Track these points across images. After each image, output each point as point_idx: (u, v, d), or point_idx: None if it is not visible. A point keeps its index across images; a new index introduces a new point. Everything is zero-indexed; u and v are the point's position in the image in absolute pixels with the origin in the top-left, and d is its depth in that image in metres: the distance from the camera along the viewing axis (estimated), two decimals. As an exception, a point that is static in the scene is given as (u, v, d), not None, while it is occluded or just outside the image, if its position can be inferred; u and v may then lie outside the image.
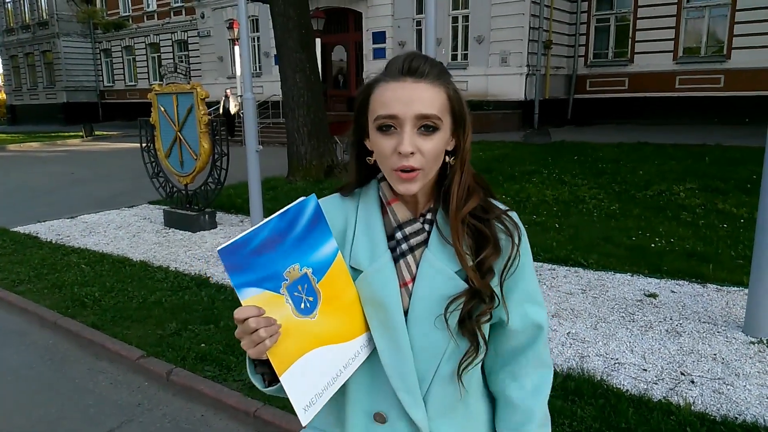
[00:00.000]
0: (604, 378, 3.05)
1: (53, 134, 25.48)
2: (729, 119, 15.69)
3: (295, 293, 0.90)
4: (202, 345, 3.69)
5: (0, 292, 4.94)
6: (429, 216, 1.05)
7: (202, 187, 6.80)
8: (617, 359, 3.30)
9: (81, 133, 23.67)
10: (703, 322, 3.75)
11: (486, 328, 1.05)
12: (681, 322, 3.77)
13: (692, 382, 3.02)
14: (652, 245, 5.37)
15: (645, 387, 2.97)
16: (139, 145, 7.48)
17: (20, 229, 7.22)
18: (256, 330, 0.84)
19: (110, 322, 4.16)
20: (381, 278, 1.01)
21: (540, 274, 4.78)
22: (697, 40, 17.30)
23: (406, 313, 1.01)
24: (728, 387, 2.96)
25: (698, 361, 3.25)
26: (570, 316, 3.95)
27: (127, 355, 3.67)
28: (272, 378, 0.95)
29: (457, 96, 1.00)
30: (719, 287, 4.34)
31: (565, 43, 18.81)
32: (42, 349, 4.03)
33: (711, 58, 16.88)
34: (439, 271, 1.01)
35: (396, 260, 1.03)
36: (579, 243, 5.51)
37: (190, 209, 6.96)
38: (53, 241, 6.55)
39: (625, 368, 3.19)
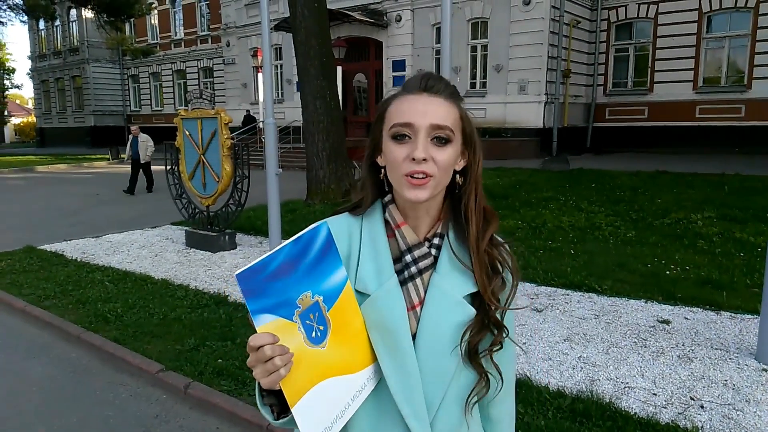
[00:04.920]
0: (614, 401, 3.07)
1: (80, 157, 26.24)
2: (750, 149, 15.59)
3: (307, 321, 0.89)
4: (219, 360, 3.78)
5: (27, 307, 5.11)
6: (436, 241, 1.04)
7: (223, 209, 6.99)
8: (627, 383, 3.32)
9: (107, 156, 24.35)
10: (716, 349, 3.75)
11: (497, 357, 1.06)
12: (693, 348, 3.78)
13: (702, 407, 3.03)
14: (667, 272, 5.37)
15: (654, 410, 2.99)
16: (163, 167, 7.72)
17: (47, 247, 7.44)
18: (272, 358, 0.81)
19: (131, 337, 4.29)
20: (389, 301, 1.00)
21: (553, 299, 4.81)
22: (717, 70, 17.32)
23: (413, 337, 1.00)
24: (738, 412, 2.96)
25: (709, 386, 3.25)
26: (582, 340, 3.97)
27: (147, 368, 3.79)
28: (281, 410, 0.93)
29: (468, 119, 1.03)
30: (733, 315, 4.34)
31: (584, 72, 18.94)
32: (65, 361, 4.16)
33: (731, 88, 16.86)
34: (448, 296, 1.01)
35: (403, 283, 1.02)
36: (594, 269, 5.53)
37: (211, 230, 7.13)
38: (78, 259, 6.75)
39: (634, 392, 3.21)
